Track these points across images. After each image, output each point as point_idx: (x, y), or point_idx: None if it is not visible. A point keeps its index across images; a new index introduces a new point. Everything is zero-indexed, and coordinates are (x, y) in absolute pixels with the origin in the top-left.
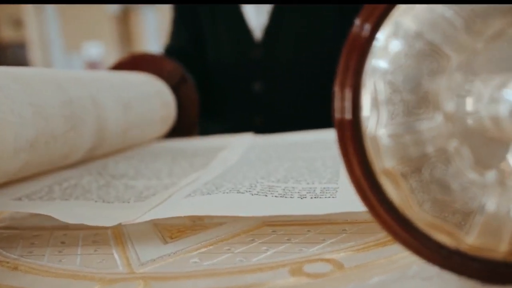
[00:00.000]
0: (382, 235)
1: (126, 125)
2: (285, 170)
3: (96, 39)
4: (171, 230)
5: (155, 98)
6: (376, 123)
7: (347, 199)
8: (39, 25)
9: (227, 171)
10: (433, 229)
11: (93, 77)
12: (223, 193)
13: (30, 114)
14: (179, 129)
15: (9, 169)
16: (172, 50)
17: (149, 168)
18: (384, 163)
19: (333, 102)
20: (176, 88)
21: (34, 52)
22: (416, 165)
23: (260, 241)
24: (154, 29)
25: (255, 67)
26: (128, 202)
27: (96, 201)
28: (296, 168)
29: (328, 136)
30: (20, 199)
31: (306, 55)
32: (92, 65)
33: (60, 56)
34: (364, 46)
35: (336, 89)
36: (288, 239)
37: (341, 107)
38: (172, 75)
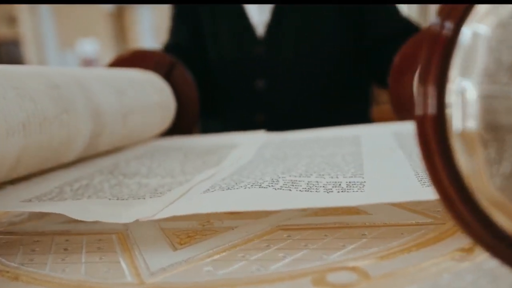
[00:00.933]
0: (406, 239)
1: (123, 109)
2: (305, 166)
3: (91, 36)
4: (179, 235)
5: (147, 84)
6: (462, 118)
7: (378, 192)
8: (33, 22)
9: (243, 168)
10: (497, 207)
11: (78, 69)
12: (244, 188)
13: (14, 95)
14: (179, 128)
15: (5, 153)
16: (171, 47)
17: (161, 166)
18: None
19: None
20: (168, 75)
21: (28, 49)
22: (502, 134)
23: (276, 247)
24: (149, 26)
25: (258, 64)
26: (144, 199)
27: (110, 199)
28: (316, 164)
29: (343, 133)
30: (30, 200)
31: (309, 52)
32: (87, 62)
33: (55, 53)
34: (448, 42)
35: (418, 86)
36: (305, 245)
37: (424, 103)
38: (160, 64)
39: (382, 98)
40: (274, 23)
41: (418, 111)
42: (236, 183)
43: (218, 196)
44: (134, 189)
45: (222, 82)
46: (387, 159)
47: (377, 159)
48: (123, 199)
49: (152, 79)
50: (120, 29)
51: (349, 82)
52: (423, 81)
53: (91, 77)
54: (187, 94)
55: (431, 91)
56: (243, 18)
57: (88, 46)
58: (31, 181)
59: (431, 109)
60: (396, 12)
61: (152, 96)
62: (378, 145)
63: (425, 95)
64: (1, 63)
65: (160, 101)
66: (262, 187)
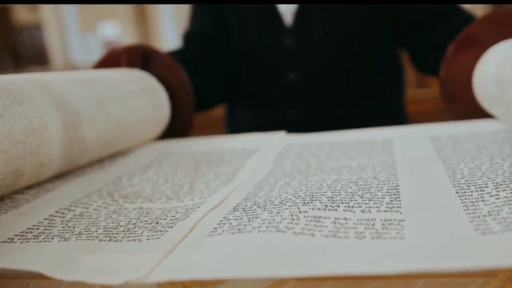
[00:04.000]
0: None
1: (94, 96)
2: (331, 188)
3: (112, 19)
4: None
5: (120, 73)
6: None
7: (421, 241)
8: (55, 6)
9: (260, 188)
10: None
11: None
12: (258, 231)
13: None
14: (174, 129)
15: None
16: (193, 35)
17: (168, 182)
18: None
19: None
20: (146, 66)
21: (50, 33)
22: None
23: None
24: (170, 8)
25: (287, 55)
26: (140, 241)
27: (101, 240)
28: (344, 184)
29: (372, 137)
30: (12, 240)
31: (340, 41)
32: (109, 45)
33: (76, 36)
34: None
35: None
36: None
37: None
38: (133, 56)
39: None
40: (302, 12)
41: None
42: (249, 219)
43: (225, 247)
44: (133, 219)
45: (250, 75)
46: (426, 179)
47: (414, 179)
48: (116, 240)
49: (127, 71)
50: (141, 12)
51: (383, 71)
52: None
53: (49, 75)
54: (174, 79)
55: None
56: (270, 6)
57: (110, 29)
58: (21, 207)
59: None
60: None
61: (129, 83)
62: (414, 155)
63: None
64: (24, 48)
65: (141, 87)
66: (279, 230)
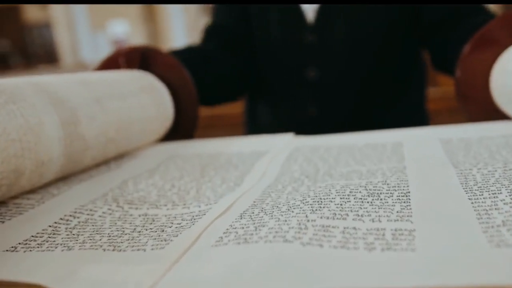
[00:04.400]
0: None
1: (93, 95)
2: (339, 194)
3: (121, 18)
4: None
5: (119, 74)
6: None
7: (433, 254)
8: (65, 5)
9: (267, 194)
10: None
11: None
12: (265, 241)
13: None
14: (178, 129)
15: None
16: (214, 28)
17: (174, 187)
18: None
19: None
20: (145, 66)
21: (60, 31)
22: None
23: None
24: (178, 7)
25: (309, 52)
26: (144, 250)
27: (104, 250)
28: (353, 189)
29: (382, 140)
30: (15, 249)
31: (362, 39)
32: (118, 43)
33: (86, 35)
34: None
35: None
36: None
37: None
38: (131, 57)
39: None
40: (324, 9)
41: None
42: (256, 228)
43: (231, 257)
44: (138, 227)
45: (271, 71)
46: (438, 185)
47: (425, 185)
48: (120, 250)
49: (125, 71)
50: (150, 10)
51: (405, 70)
52: None
53: (44, 77)
54: (176, 79)
55: None
56: (292, 3)
57: (119, 28)
58: (26, 213)
59: None
60: None
61: (128, 82)
62: (425, 159)
63: None
64: (34, 47)
65: (141, 85)
66: (286, 240)
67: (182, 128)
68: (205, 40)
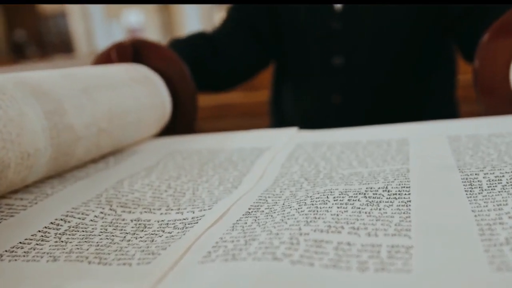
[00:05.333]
0: None
1: (78, 86)
2: (337, 203)
3: (136, 7)
4: None
5: (107, 67)
6: None
7: (429, 277)
8: None
9: (263, 200)
10: None
11: None
12: (253, 258)
13: None
14: (177, 122)
15: None
16: (239, 11)
17: (171, 188)
18: None
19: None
20: (138, 58)
21: (75, 21)
22: None
23: None
24: None
25: (335, 39)
26: (130, 265)
27: (90, 263)
28: (351, 196)
29: (387, 136)
30: (0, 257)
31: (389, 27)
32: (132, 32)
33: (101, 24)
34: None
35: None
36: None
37: None
38: (123, 51)
39: None
40: None
41: None
42: (247, 241)
43: (217, 276)
44: (129, 234)
45: (296, 58)
46: (440, 193)
47: (428, 193)
48: (105, 264)
49: (118, 65)
50: None
51: (431, 59)
52: None
53: (26, 73)
54: (173, 72)
55: None
56: None
57: (133, 17)
58: (17, 215)
59: None
60: None
61: (118, 73)
62: (430, 162)
63: None
64: (50, 36)
65: (131, 75)
66: (276, 257)
67: (181, 121)
68: (224, 24)
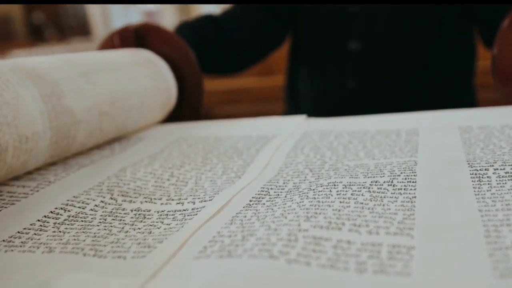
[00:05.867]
0: None
1: (76, 69)
2: (340, 197)
3: None
4: None
5: (108, 51)
6: None
7: (429, 281)
8: None
9: (265, 191)
10: None
11: None
12: (249, 256)
13: None
14: (183, 109)
15: None
16: None
17: (173, 177)
18: None
19: None
20: (142, 43)
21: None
22: None
23: None
24: None
25: (352, 23)
26: (124, 258)
27: (85, 255)
28: (355, 190)
29: (397, 125)
30: None
31: (407, 11)
32: (149, 15)
33: (118, 6)
34: None
35: None
36: None
37: None
38: (126, 37)
39: None
40: None
41: None
42: (244, 236)
43: (211, 274)
44: (127, 225)
45: (312, 42)
46: (447, 190)
47: (434, 189)
48: (100, 256)
49: (119, 50)
50: None
51: (450, 44)
52: None
53: (22, 58)
54: (178, 56)
55: None
56: None
57: None
58: (18, 203)
59: None
60: None
61: (118, 56)
62: (438, 155)
63: None
64: (68, 19)
65: (133, 59)
66: (272, 255)
67: (187, 106)
68: (235, 6)
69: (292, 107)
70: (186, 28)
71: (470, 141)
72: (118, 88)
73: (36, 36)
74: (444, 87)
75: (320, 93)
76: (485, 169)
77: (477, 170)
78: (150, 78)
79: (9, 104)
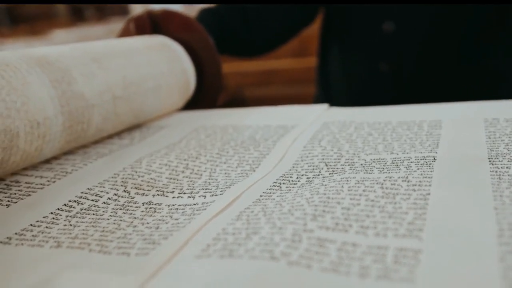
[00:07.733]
0: None
1: (88, 55)
2: (351, 193)
3: None
4: None
5: (122, 39)
6: None
7: None
8: None
9: (277, 186)
10: None
11: None
12: (249, 257)
13: None
14: (202, 94)
15: None
16: None
17: (188, 169)
18: None
19: None
20: (157, 29)
21: None
22: None
23: None
24: None
25: (386, 5)
26: (128, 255)
27: (90, 251)
28: (367, 187)
29: (420, 117)
30: (9, 240)
31: None
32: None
33: None
34: None
35: None
36: None
37: None
38: (141, 24)
39: None
40: None
41: None
42: (248, 235)
43: (211, 275)
44: (137, 219)
45: (346, 24)
46: (464, 189)
47: (450, 187)
48: (105, 252)
49: (133, 37)
50: None
51: (492, 31)
52: None
53: (31, 48)
54: (195, 41)
55: None
56: None
57: None
58: (34, 194)
59: None
60: None
61: (132, 42)
62: (460, 150)
63: None
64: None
65: (150, 44)
66: (273, 257)
67: (207, 92)
68: None
69: (324, 89)
70: (207, 14)
71: (494, 135)
72: (131, 72)
73: (77, 16)
74: (483, 77)
75: (352, 76)
76: (507, 167)
77: (498, 168)
78: (166, 62)
79: (17, 90)
